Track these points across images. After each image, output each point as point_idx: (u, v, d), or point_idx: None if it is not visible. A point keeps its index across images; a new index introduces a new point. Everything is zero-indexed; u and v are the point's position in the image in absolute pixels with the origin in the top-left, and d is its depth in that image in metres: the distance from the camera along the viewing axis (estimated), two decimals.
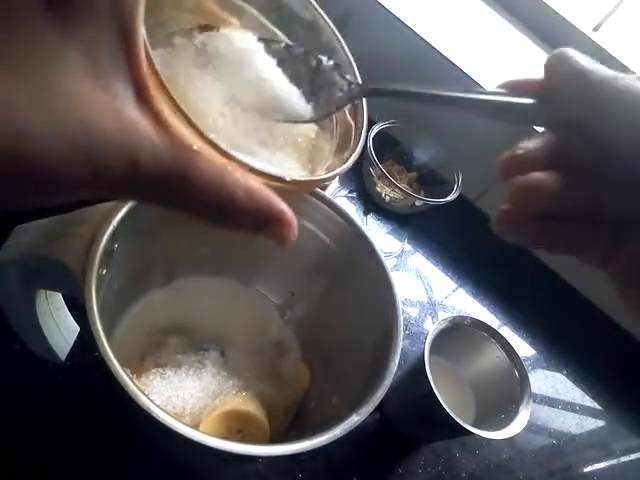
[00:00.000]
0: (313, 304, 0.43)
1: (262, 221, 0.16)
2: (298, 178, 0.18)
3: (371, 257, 0.37)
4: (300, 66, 0.21)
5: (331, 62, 0.21)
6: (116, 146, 0.13)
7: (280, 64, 0.20)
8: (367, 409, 0.28)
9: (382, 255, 0.37)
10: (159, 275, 0.41)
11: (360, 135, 0.21)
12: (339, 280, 0.41)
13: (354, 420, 0.28)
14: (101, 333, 0.25)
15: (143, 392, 0.24)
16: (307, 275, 0.42)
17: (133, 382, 0.24)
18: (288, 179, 0.17)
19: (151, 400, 0.24)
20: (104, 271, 0.28)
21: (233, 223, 0.16)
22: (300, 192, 0.21)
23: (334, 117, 0.22)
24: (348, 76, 0.21)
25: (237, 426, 0.36)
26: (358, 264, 0.38)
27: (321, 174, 0.20)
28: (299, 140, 0.21)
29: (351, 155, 0.20)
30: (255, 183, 0.16)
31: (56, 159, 0.13)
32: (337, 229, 0.38)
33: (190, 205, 0.15)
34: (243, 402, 0.37)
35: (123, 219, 0.29)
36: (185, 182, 0.15)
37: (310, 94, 0.20)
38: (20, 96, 0.12)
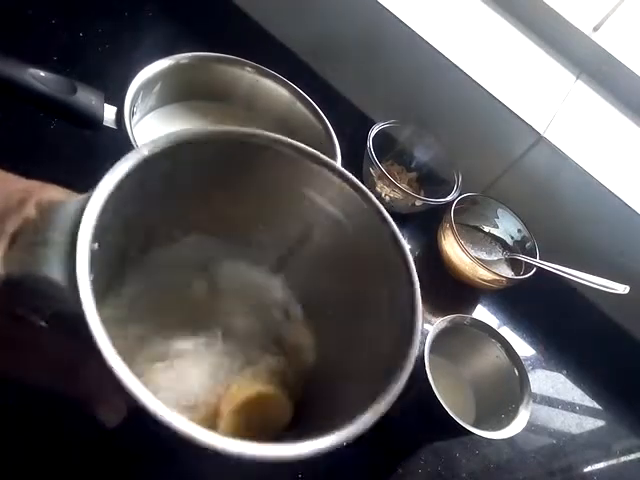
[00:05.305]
0: (323, 292, 0.38)
1: None
2: None
3: (392, 244, 0.31)
4: None
5: None
6: None
7: None
8: (373, 416, 0.25)
9: (405, 243, 0.31)
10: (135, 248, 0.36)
11: None
12: (353, 268, 0.36)
13: (357, 422, 0.27)
14: (103, 336, 0.24)
15: (148, 394, 0.23)
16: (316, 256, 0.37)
17: (136, 382, 0.23)
18: None
19: (156, 400, 0.23)
20: (92, 276, 0.26)
21: None
22: None
23: None
24: None
25: (257, 412, 0.34)
26: (376, 250, 0.33)
27: None
28: None
29: None
30: None
31: None
32: (352, 208, 0.33)
33: None
34: (255, 383, 0.35)
35: (101, 214, 0.25)
36: None
37: None
38: None
